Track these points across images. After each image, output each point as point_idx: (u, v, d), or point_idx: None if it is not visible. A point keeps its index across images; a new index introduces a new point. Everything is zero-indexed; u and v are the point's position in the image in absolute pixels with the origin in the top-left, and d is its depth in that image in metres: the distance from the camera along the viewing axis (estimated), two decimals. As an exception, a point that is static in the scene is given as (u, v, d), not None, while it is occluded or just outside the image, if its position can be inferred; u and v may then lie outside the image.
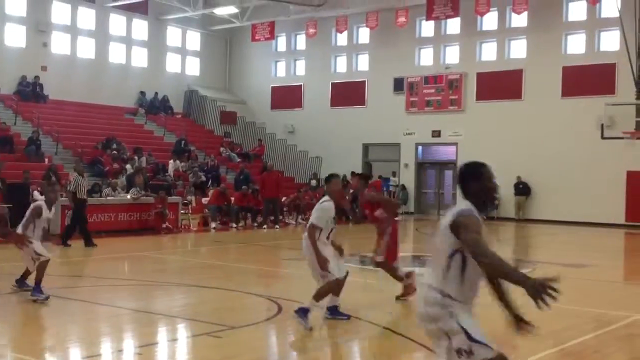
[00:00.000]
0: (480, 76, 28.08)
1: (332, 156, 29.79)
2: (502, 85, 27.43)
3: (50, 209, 9.50)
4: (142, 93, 30.94)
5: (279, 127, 32.35)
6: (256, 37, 31.30)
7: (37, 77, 27.13)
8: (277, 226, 21.42)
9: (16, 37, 27.19)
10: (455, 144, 28.60)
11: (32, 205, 9.45)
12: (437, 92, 29.01)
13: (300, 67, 33.31)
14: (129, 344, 7.36)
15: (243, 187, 22.58)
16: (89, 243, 15.27)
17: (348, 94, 31.21)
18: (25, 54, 27.23)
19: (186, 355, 7.02)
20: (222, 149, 29.43)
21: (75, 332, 7.67)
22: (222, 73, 34.75)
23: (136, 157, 23.93)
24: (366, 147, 30.94)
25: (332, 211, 7.92)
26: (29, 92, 26.76)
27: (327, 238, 7.94)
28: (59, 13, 28.52)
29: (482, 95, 28.00)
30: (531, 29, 26.93)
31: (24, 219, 9.26)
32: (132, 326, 8.07)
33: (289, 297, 9.27)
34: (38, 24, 27.54)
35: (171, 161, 25.10)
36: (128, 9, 30.32)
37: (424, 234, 21.36)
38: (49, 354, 6.86)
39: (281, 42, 33.54)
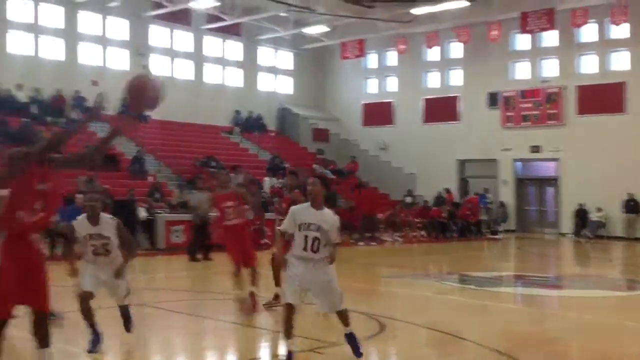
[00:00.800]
0: (581, 89, 27.11)
1: (427, 172, 29.48)
2: (604, 98, 26.37)
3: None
4: (237, 112, 31.68)
5: (371, 144, 32.32)
6: (346, 55, 31.52)
7: (139, 99, 28.23)
8: (373, 243, 21.29)
9: (119, 60, 28.48)
10: (557, 159, 27.65)
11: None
12: (534, 107, 28.21)
13: (391, 84, 33.21)
14: (233, 358, 7.41)
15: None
16: (196, 257, 15.77)
17: (441, 109, 30.83)
18: (128, 76, 28.18)
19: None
20: (315, 165, 29.64)
21: (180, 345, 7.80)
22: (314, 91, 35.11)
23: (233, 175, 24.41)
24: (462, 163, 30.41)
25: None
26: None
27: (305, 249, 6.47)
28: (158, 37, 29.70)
29: (583, 109, 26.99)
30: (634, 40, 25.83)
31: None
32: (234, 340, 8.14)
33: (390, 316, 9.12)
34: (139, 47, 28.76)
35: (266, 178, 25.50)
36: (222, 31, 31.19)
37: (527, 252, 20.68)
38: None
39: (371, 59, 33.59)
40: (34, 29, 26.03)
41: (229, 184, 10.14)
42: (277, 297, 9.22)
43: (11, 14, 25.41)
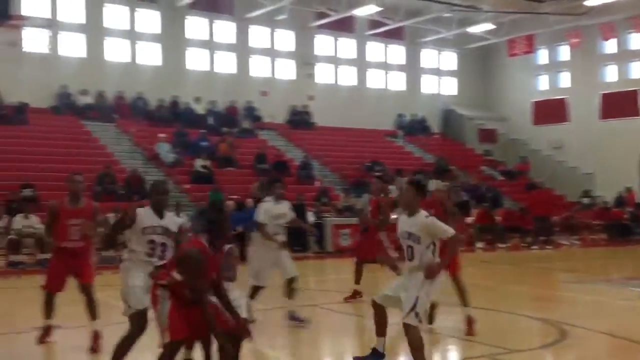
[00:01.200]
0: None
1: (605, 171, 27.60)
2: None
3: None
4: (400, 115, 31.63)
5: (543, 143, 30.86)
6: (513, 52, 30.40)
7: (305, 106, 29.14)
8: (549, 247, 20.27)
9: (286, 70, 29.55)
10: None
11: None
12: None
13: (564, 79, 31.55)
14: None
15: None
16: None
17: (620, 104, 28.78)
18: (295, 85, 29.42)
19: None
20: (483, 167, 28.82)
21: (348, 345, 7.82)
22: (479, 90, 34.20)
23: (398, 178, 24.41)
24: (646, 161, 28.11)
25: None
26: (299, 120, 28.82)
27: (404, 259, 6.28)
28: (323, 45, 30.44)
29: None
30: None
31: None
32: (406, 344, 8.00)
33: (571, 323, 8.56)
34: (305, 56, 29.65)
35: (432, 181, 25.14)
36: (385, 36, 31.33)
37: None
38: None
39: (541, 55, 32.12)
40: (210, 45, 27.74)
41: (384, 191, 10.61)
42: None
43: (189, 33, 27.27)
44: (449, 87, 33.94)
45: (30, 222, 14.51)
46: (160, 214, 5.86)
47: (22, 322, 9.09)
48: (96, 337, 7.00)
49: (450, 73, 33.94)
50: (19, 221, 14.41)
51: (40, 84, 23.24)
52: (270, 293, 8.39)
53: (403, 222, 6.08)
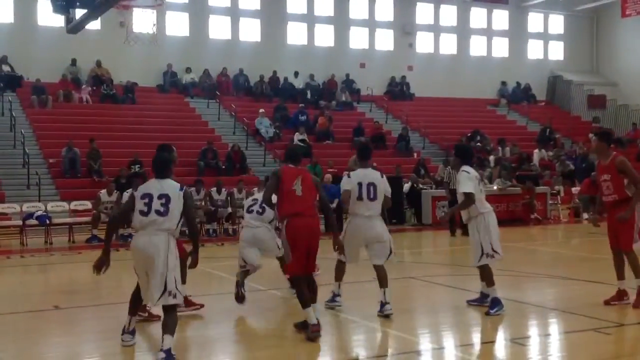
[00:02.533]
0: None
1: None
2: None
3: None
4: (503, 83, 30.66)
5: (657, 109, 29.09)
6: (627, 13, 28.58)
7: (403, 77, 28.79)
8: None
9: (385, 41, 29.25)
10: None
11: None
12: None
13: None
14: (506, 334, 7.17)
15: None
16: (452, 232, 15.66)
17: None
18: (393, 56, 29.10)
19: (575, 349, 6.54)
20: (591, 135, 27.47)
21: (448, 319, 7.77)
22: (589, 55, 32.58)
23: (499, 148, 23.79)
24: None
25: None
26: (397, 91, 28.53)
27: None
28: (423, 14, 29.87)
29: None
30: None
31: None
32: (507, 317, 7.87)
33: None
34: (404, 26, 29.21)
35: (536, 150, 24.35)
36: (488, 1, 30.35)
37: None
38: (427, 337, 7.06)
39: (657, 14, 30.04)
40: (308, 18, 27.87)
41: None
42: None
43: (290, 7, 27.50)
44: (556, 52, 32.50)
45: (139, 197, 15.17)
46: None
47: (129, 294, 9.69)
48: None
49: (558, 37, 32.49)
50: (127, 196, 15.08)
51: (147, 63, 24.21)
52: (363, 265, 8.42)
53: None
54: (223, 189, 16.39)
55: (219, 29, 26.41)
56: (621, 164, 7.72)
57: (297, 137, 22.32)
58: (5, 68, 22.50)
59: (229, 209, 16.19)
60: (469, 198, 7.52)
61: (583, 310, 7.69)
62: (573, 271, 10.85)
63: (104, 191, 15.54)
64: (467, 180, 7.58)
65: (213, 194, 16.29)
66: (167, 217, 5.82)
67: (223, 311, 7.97)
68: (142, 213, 5.84)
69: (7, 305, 8.37)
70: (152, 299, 5.81)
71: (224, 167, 20.09)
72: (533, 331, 7.35)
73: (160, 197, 5.85)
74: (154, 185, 5.96)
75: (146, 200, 5.86)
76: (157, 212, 5.80)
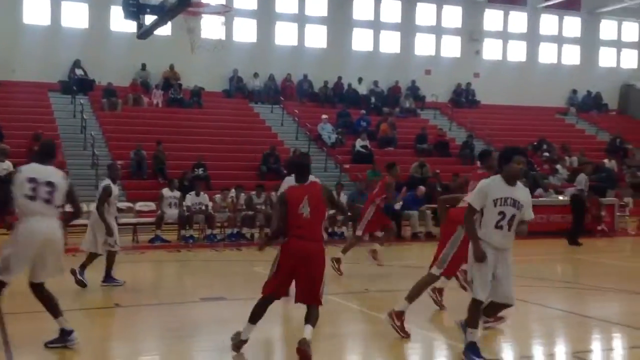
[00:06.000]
0: None
1: None
2: None
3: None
4: (574, 91, 29.90)
5: None
6: None
7: (469, 84, 28.40)
8: None
9: (451, 47, 28.93)
10: None
11: (101, 185, 9.51)
12: None
13: None
14: (567, 347, 6.97)
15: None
16: (572, 242, 15.40)
17: None
18: (460, 63, 28.75)
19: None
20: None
21: (509, 331, 7.60)
22: (664, 63, 31.40)
23: (566, 157, 23.19)
24: None
25: None
26: (462, 99, 28.16)
27: None
28: (491, 20, 29.43)
29: None
30: None
31: (97, 200, 9.43)
32: (567, 330, 7.65)
33: None
34: (472, 32, 28.83)
35: (605, 160, 23.60)
36: (560, 7, 29.67)
37: None
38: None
39: None
40: (375, 25, 27.85)
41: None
42: None
43: (356, 14, 27.57)
44: (630, 60, 31.46)
45: (201, 200, 15.47)
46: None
47: (190, 293, 9.75)
48: None
49: (631, 45, 31.46)
50: (189, 198, 15.42)
51: (214, 68, 24.67)
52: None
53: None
54: (263, 193, 16.22)
55: (285, 35, 26.70)
56: None
57: (358, 143, 22.30)
58: (79, 72, 23.32)
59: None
60: None
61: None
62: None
63: (166, 189, 15.82)
64: None
65: (273, 198, 16.43)
66: None
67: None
68: None
69: (70, 301, 8.66)
70: None
71: (285, 171, 20.21)
72: (595, 345, 7.12)
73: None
74: None
75: None
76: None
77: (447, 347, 6.79)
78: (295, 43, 26.84)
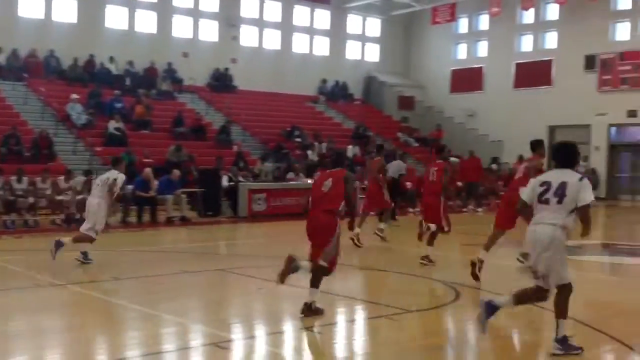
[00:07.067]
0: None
1: (514, 139, 28.34)
2: None
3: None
4: (324, 81, 31.70)
5: (457, 111, 31.63)
6: (436, 20, 30.83)
7: (227, 69, 28.76)
8: (479, 210, 21.57)
9: (209, 32, 29.02)
10: (655, 124, 26.21)
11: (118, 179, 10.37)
12: (634, 69, 26.71)
13: (482, 48, 32.31)
14: (308, 323, 7.47)
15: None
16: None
17: (533, 74, 29.73)
18: (217, 48, 28.96)
19: (364, 336, 7.06)
20: (399, 134, 29.35)
21: (259, 309, 7.97)
22: (401, 58, 34.61)
23: (316, 144, 24.61)
24: (552, 129, 29.16)
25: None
26: (220, 83, 28.46)
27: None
28: (248, 8, 30.01)
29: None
30: None
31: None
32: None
33: (467, 284, 8.98)
34: (229, 18, 29.16)
35: (350, 147, 25.50)
36: (311, 0, 31.16)
37: (616, 220, 19.74)
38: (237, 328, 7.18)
39: (462, 24, 32.74)
40: (130, 3, 26.87)
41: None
42: None
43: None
44: (372, 54, 34.17)
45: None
46: None
47: None
48: None
49: (374, 40, 34.15)
50: None
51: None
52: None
53: None
54: (24, 178, 15.34)
55: (30, 6, 24.67)
56: None
57: (112, 125, 21.50)
58: None
59: (31, 199, 15.21)
60: None
61: (379, 299, 8.22)
62: (378, 262, 11.45)
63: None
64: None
65: (13, 183, 15.25)
66: None
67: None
68: None
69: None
70: None
71: (28, 154, 18.84)
72: (331, 319, 7.74)
73: None
74: None
75: None
76: None
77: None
78: (42, 16, 24.93)
